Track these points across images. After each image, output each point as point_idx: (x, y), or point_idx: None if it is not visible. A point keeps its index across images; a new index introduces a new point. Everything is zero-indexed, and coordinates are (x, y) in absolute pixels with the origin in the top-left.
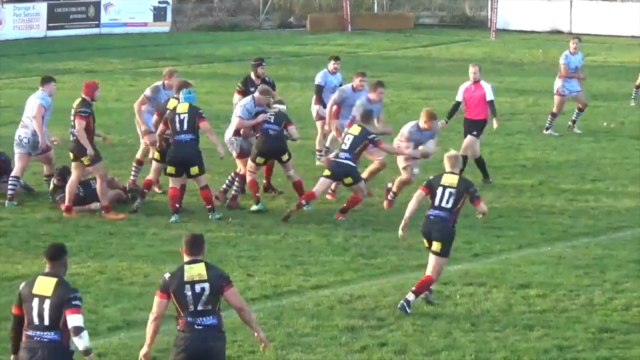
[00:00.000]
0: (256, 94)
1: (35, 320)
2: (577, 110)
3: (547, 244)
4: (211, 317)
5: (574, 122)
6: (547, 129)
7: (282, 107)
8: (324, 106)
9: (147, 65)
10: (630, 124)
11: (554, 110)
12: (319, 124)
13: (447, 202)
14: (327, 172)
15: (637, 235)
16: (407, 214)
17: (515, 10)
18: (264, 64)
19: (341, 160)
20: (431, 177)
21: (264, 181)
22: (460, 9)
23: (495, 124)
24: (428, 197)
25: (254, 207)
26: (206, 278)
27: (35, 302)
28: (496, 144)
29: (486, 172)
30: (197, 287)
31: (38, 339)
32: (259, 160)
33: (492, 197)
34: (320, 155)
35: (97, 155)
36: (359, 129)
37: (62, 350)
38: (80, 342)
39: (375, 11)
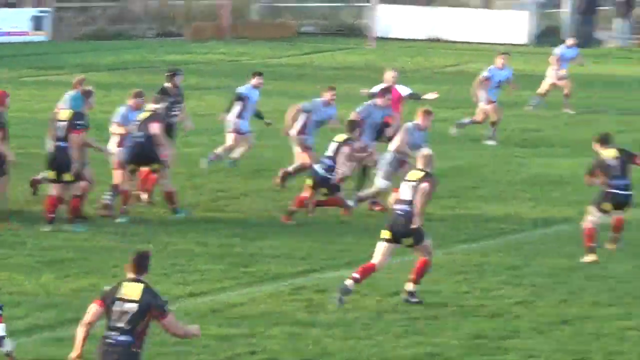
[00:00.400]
0: (130, 100)
1: None
2: (472, 118)
3: None
4: (127, 336)
5: (460, 124)
6: (490, 138)
7: (156, 106)
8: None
9: (28, 75)
10: (510, 132)
11: (494, 119)
12: (231, 136)
13: (406, 194)
14: None
15: (513, 241)
16: None
17: (395, 19)
18: (179, 73)
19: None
20: None
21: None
22: (342, 17)
23: (433, 95)
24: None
25: (118, 220)
26: (137, 300)
27: None
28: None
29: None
30: (126, 306)
31: None
32: (129, 167)
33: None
34: (211, 160)
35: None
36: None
37: None
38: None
39: (254, 19)
